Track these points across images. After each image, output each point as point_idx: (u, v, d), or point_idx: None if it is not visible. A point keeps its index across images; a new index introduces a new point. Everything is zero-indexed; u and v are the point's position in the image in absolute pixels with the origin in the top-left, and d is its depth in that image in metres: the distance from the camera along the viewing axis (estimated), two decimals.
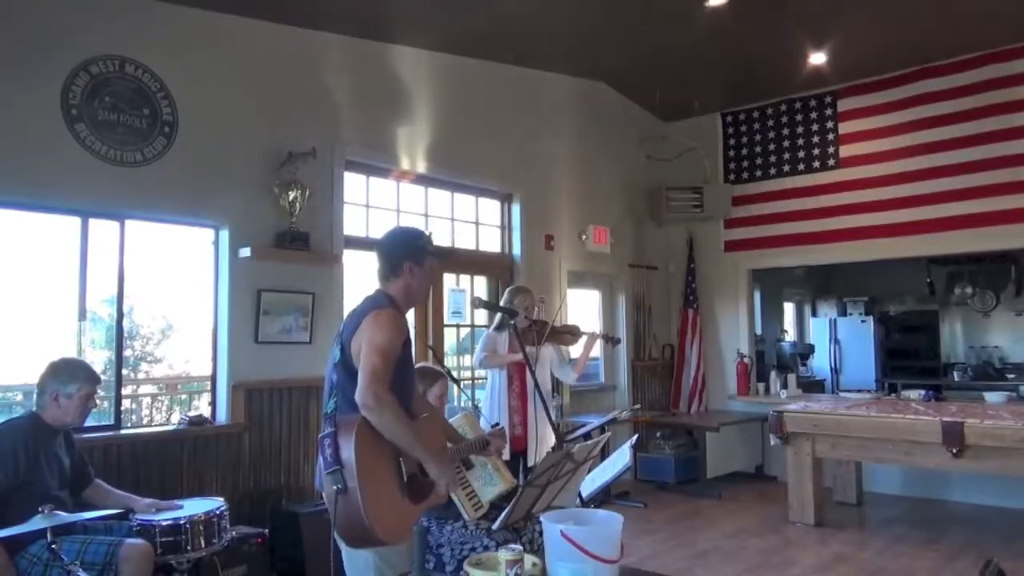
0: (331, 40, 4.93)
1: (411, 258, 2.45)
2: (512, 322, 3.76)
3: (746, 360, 7.38)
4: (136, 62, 4.02)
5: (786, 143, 7.22)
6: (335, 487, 2.09)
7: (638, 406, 7.01)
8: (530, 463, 4.31)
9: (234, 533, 3.55)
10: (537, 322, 4.59)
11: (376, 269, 2.51)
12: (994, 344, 9.09)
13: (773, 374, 7.70)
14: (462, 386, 4.84)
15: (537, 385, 3.57)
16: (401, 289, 2.45)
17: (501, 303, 4.60)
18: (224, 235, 4.37)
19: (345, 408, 2.26)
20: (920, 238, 6.40)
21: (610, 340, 5.00)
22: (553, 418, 3.85)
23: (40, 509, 2.61)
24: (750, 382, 7.39)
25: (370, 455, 2.16)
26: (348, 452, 2.12)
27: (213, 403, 4.39)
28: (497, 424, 3.50)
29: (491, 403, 4.53)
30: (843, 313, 10.32)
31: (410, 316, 2.53)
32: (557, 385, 6.23)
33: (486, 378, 4.73)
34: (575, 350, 4.96)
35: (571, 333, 4.83)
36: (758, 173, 7.39)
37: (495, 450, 2.95)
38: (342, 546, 2.31)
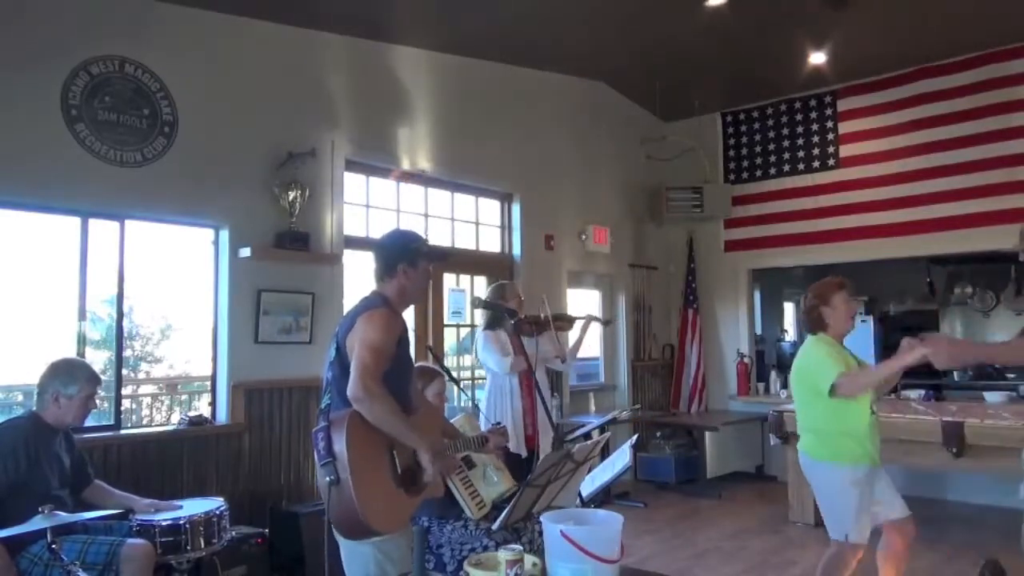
0: (331, 40, 4.93)
1: (405, 260, 2.50)
2: (512, 321, 3.76)
3: (746, 360, 7.38)
4: (136, 62, 4.02)
5: (786, 143, 7.22)
6: (328, 479, 2.14)
7: (638, 406, 7.01)
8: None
9: (234, 533, 3.55)
10: (528, 316, 4.55)
11: (372, 270, 2.56)
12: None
13: (773, 374, 7.69)
14: (462, 386, 4.79)
15: (538, 383, 3.59)
16: (395, 290, 2.50)
17: (487, 301, 4.47)
18: (224, 235, 4.37)
19: (338, 404, 2.32)
20: (920, 238, 6.40)
21: (602, 321, 5.01)
22: (553, 417, 3.84)
23: (40, 509, 2.61)
24: (750, 382, 7.39)
25: (362, 447, 2.21)
26: (340, 445, 2.17)
27: (213, 403, 4.39)
28: (499, 423, 3.48)
29: (497, 405, 4.32)
30: None
31: (410, 317, 2.55)
32: (557, 384, 6.24)
33: (485, 378, 4.62)
34: (571, 336, 4.95)
35: (566, 320, 4.82)
36: (758, 173, 7.39)
37: (493, 447, 2.96)
38: (341, 542, 2.34)
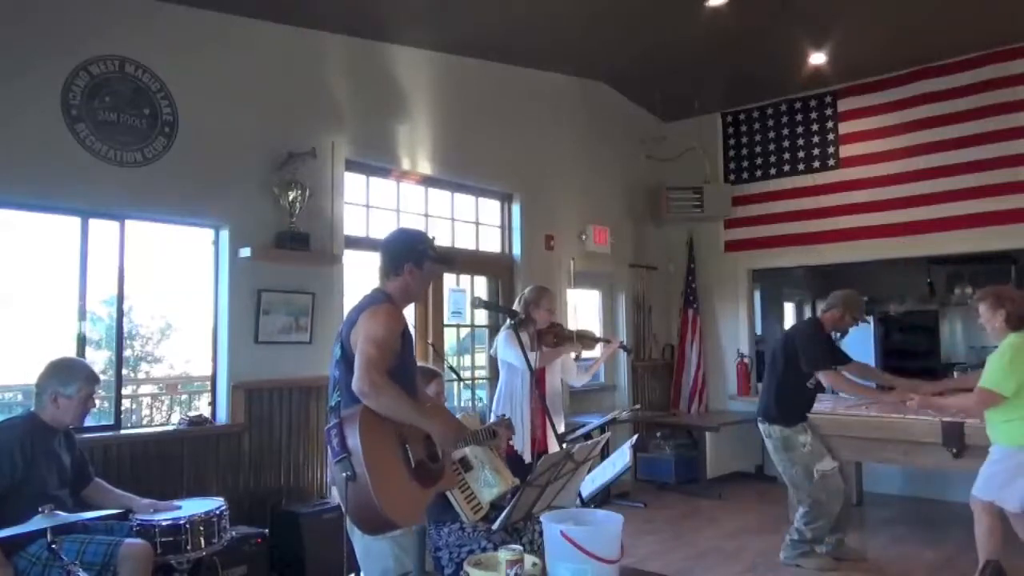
0: (331, 40, 4.93)
1: (411, 260, 2.54)
2: (512, 322, 3.74)
3: (746, 360, 7.38)
4: (136, 62, 4.02)
5: (786, 143, 7.22)
6: (344, 474, 2.14)
7: (638, 406, 7.00)
8: None
9: (234, 533, 3.56)
10: (555, 325, 4.50)
11: (378, 267, 2.60)
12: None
13: None
14: (464, 383, 4.74)
15: (544, 388, 3.56)
16: (399, 288, 2.54)
17: (519, 304, 4.42)
18: (224, 235, 4.37)
19: (348, 401, 2.33)
20: (920, 238, 6.40)
21: (625, 348, 5.03)
22: (555, 423, 3.82)
23: (40, 509, 2.61)
24: (750, 382, 7.39)
25: (375, 441, 2.21)
26: (354, 440, 2.17)
27: (213, 403, 4.39)
28: (504, 415, 3.46)
29: (511, 404, 4.19)
30: None
31: (410, 317, 2.57)
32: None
33: (489, 378, 4.50)
34: (590, 355, 4.94)
35: (590, 339, 4.74)
36: (758, 173, 7.39)
37: (502, 440, 2.96)
38: (356, 539, 2.35)
